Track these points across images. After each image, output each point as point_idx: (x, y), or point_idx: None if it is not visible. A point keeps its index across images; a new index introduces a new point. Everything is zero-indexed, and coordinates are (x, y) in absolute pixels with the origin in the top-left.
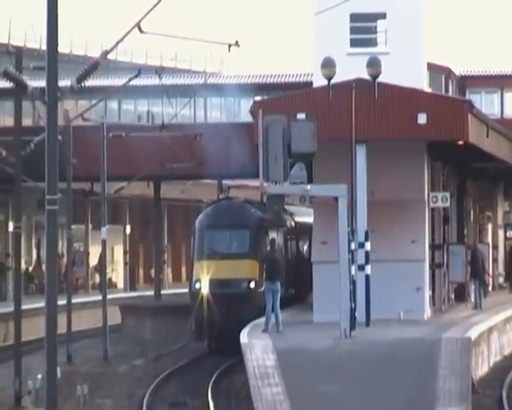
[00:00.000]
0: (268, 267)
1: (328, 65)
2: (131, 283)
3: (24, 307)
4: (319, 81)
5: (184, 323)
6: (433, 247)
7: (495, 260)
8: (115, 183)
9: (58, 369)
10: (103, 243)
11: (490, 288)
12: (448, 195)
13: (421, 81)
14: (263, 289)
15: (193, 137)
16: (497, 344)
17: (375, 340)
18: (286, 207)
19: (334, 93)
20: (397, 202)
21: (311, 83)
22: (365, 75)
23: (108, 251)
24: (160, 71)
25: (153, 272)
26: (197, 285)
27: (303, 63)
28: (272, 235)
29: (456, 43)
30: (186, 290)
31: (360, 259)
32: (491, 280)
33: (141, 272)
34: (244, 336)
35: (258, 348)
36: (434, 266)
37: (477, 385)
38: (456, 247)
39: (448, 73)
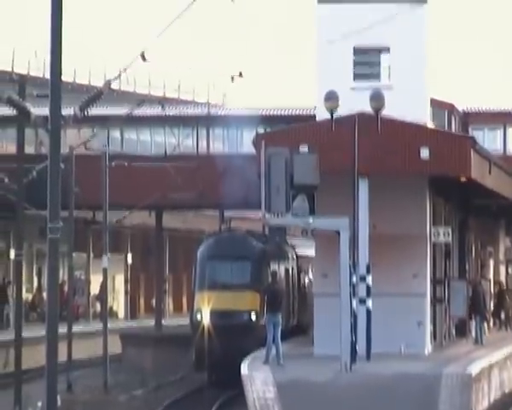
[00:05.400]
0: (269, 299)
1: (331, 98)
2: (132, 312)
3: (25, 334)
4: (322, 114)
5: (185, 353)
6: (434, 281)
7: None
8: (117, 211)
9: (58, 397)
10: (104, 271)
11: (491, 323)
12: (450, 230)
13: (424, 116)
14: (264, 320)
15: (195, 168)
16: (498, 380)
17: (375, 374)
18: (287, 238)
19: (337, 126)
20: (398, 236)
21: (314, 116)
22: (368, 109)
23: (109, 280)
24: (162, 102)
25: (154, 301)
26: (198, 316)
27: (306, 97)
28: (274, 267)
29: (459, 79)
30: (187, 321)
31: (361, 292)
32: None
33: (142, 301)
34: (244, 368)
35: (258, 380)
36: (436, 301)
37: None
38: (458, 282)
39: (451, 109)
